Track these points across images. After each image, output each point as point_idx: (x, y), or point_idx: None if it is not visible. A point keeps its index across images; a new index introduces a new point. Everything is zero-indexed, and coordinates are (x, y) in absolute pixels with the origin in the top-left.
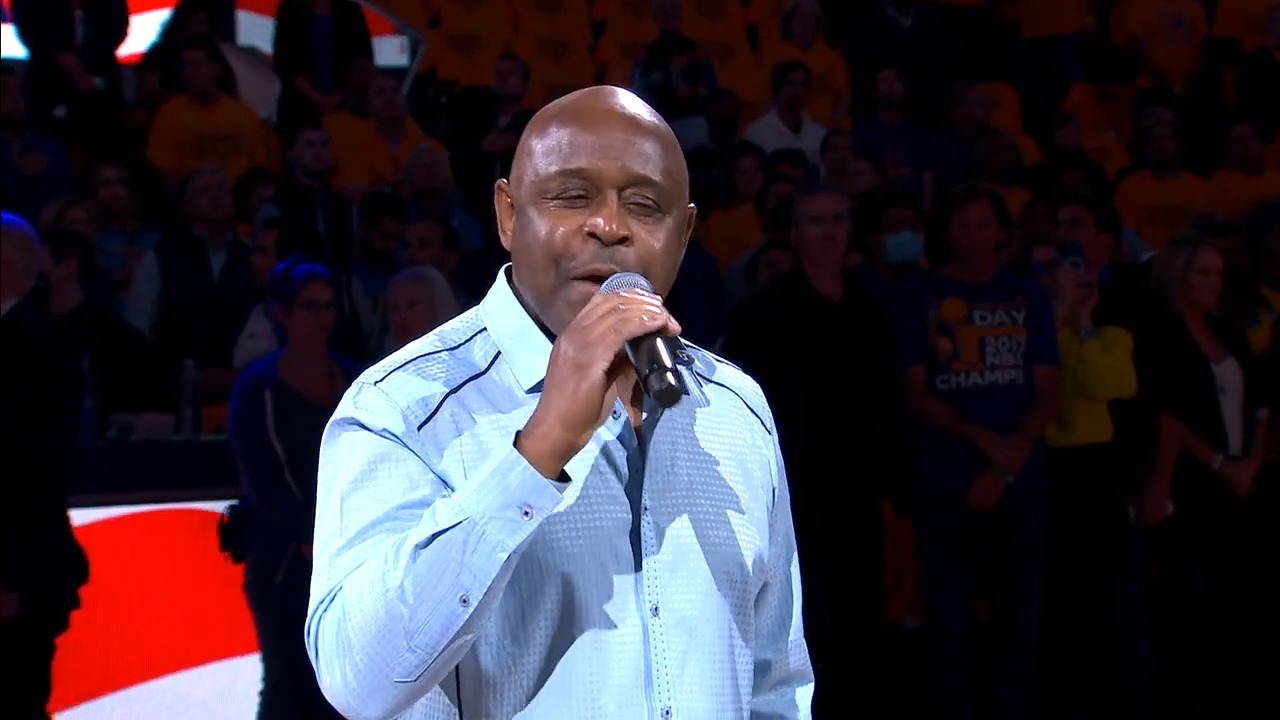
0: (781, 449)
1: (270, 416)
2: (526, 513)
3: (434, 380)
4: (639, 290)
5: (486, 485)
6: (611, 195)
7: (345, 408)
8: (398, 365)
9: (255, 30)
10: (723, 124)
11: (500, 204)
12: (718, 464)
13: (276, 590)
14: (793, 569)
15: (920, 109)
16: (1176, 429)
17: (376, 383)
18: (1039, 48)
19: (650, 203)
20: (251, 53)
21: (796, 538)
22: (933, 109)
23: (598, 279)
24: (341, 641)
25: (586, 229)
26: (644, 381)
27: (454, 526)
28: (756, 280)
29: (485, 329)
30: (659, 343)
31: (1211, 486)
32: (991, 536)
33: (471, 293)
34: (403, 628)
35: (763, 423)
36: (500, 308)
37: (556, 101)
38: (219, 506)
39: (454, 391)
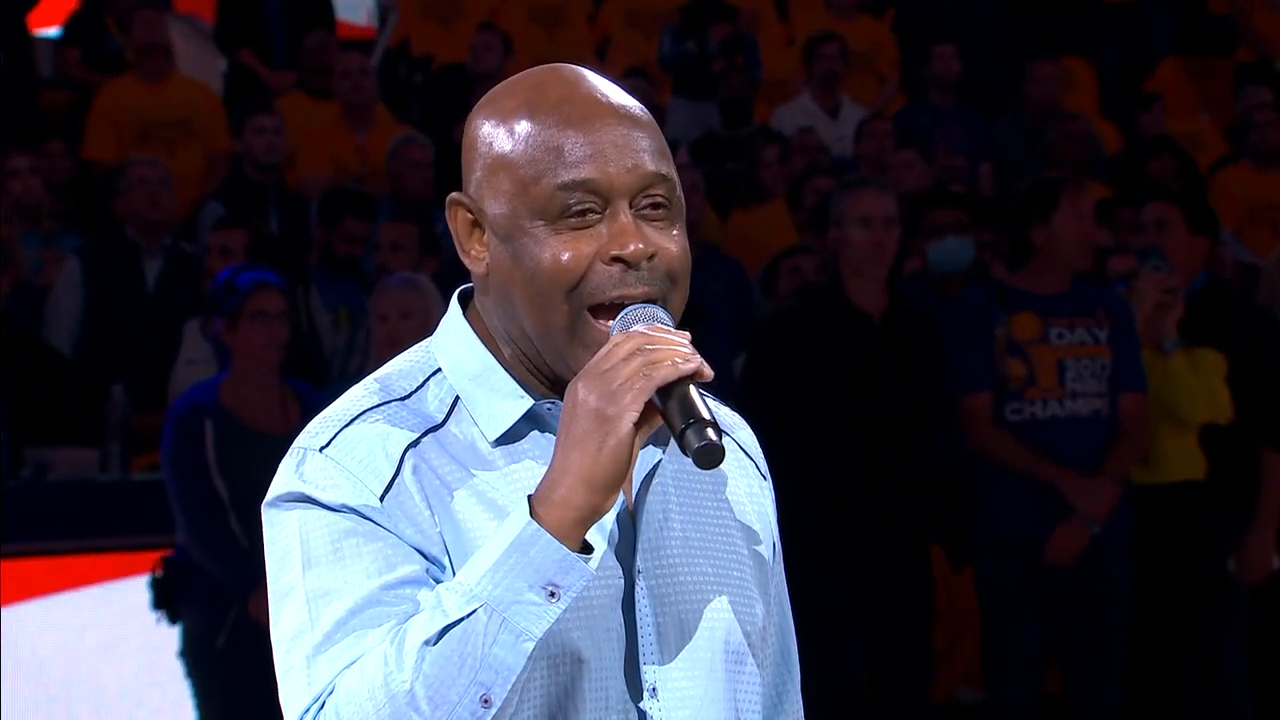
0: (814, 489)
1: (211, 450)
2: (552, 594)
3: (388, 439)
4: (660, 324)
5: (503, 565)
6: (624, 206)
7: (288, 480)
8: (343, 424)
9: None
10: (735, 106)
11: (459, 221)
12: (715, 517)
13: (218, 656)
14: (789, 637)
15: (979, 89)
16: None
17: (322, 449)
18: (1121, 15)
19: (664, 202)
20: (191, 23)
21: (834, 592)
22: (994, 89)
23: (623, 307)
24: None
25: (611, 254)
26: (679, 437)
27: (468, 617)
28: (776, 291)
29: (440, 370)
30: (693, 391)
31: None
32: (1067, 593)
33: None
34: None
35: (758, 468)
36: (456, 345)
37: (507, 88)
38: (151, 557)
39: (411, 449)
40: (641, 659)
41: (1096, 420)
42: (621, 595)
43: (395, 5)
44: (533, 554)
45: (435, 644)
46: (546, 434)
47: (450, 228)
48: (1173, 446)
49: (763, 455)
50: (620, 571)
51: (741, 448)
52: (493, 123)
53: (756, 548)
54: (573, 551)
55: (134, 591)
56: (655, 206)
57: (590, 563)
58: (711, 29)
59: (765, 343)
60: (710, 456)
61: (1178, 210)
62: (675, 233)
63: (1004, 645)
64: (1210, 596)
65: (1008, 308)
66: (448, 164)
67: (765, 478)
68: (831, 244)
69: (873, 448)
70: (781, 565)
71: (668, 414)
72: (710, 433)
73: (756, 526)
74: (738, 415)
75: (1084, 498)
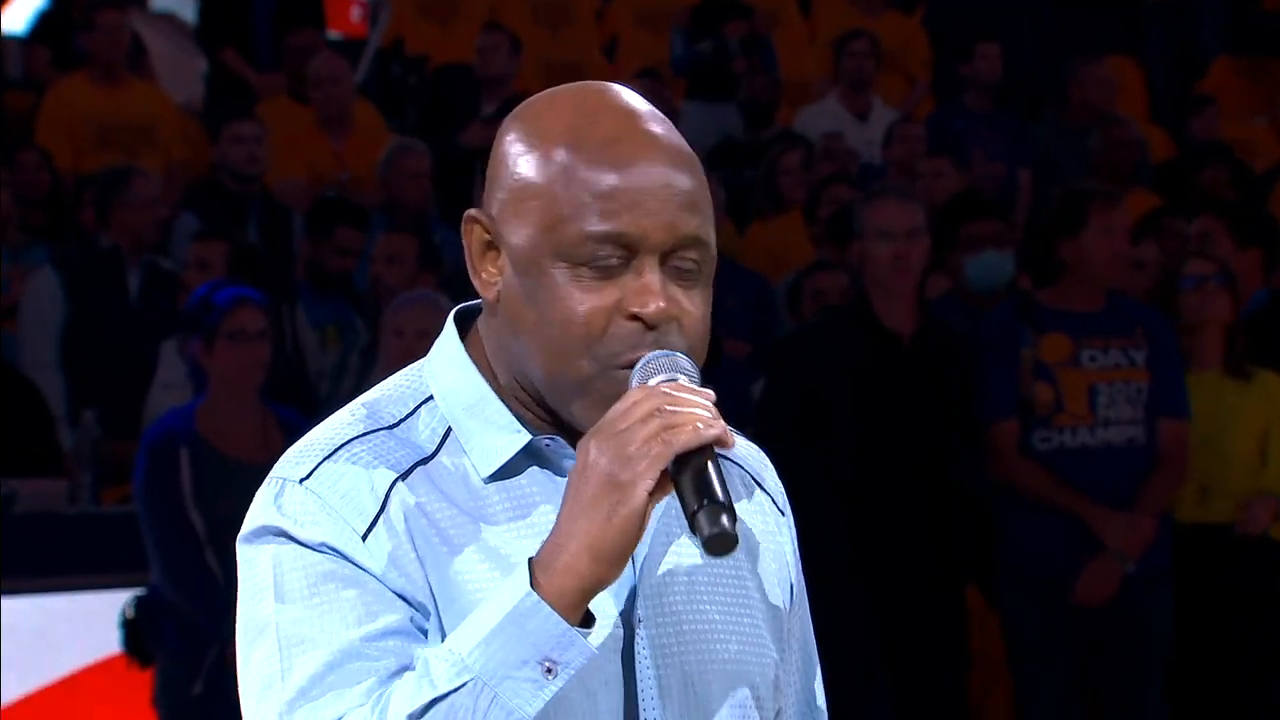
0: (840, 523)
1: (187, 481)
2: (549, 670)
3: (374, 472)
4: (683, 377)
5: (497, 636)
6: (653, 264)
7: (265, 513)
8: (326, 454)
9: None
10: (758, 110)
11: (474, 240)
12: (726, 559)
13: (194, 703)
14: (813, 678)
15: (1017, 90)
16: None
17: (302, 480)
18: (1170, 12)
19: (694, 265)
20: (169, 21)
21: (859, 633)
22: (1033, 91)
23: None
24: None
25: (629, 310)
26: (690, 518)
27: (457, 690)
28: (800, 309)
29: (431, 397)
30: (710, 467)
31: None
32: (1099, 632)
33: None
34: None
35: (775, 502)
36: (450, 371)
37: (551, 106)
38: (123, 596)
39: (399, 482)
40: (641, 713)
41: (1130, 449)
42: (620, 645)
43: (388, 2)
44: (530, 627)
45: (420, 718)
46: (546, 470)
47: (464, 244)
48: None
49: (782, 489)
50: (618, 619)
51: (756, 480)
52: (528, 143)
53: (772, 590)
54: (573, 626)
55: (104, 633)
56: (684, 267)
57: (592, 637)
58: (726, 27)
59: (785, 361)
60: (722, 546)
61: (1221, 222)
62: (699, 298)
63: (1034, 686)
64: (1266, 643)
65: (1037, 327)
66: (447, 173)
67: (784, 513)
68: (855, 258)
69: (899, 476)
70: (805, 605)
71: (680, 487)
72: (724, 520)
73: (772, 567)
74: (754, 446)
75: (1116, 533)
